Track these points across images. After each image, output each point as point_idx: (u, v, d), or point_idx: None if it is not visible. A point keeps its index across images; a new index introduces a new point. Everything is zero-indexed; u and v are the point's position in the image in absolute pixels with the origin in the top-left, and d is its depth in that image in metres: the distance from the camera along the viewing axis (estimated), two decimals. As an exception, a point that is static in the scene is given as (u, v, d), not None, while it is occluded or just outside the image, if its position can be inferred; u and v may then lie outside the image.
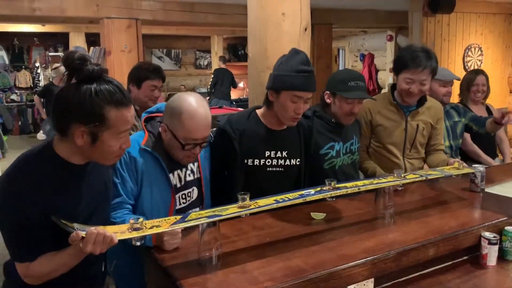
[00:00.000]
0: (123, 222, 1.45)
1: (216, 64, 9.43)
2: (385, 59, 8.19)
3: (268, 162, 1.87)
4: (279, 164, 1.89)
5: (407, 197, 1.93)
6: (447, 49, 5.85)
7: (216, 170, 1.87)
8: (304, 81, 1.75)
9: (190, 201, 1.76)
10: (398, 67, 2.24)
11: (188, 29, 8.58)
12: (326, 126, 2.11)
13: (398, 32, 7.92)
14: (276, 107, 1.81)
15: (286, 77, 1.75)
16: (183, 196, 1.73)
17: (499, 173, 2.20)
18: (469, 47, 6.03)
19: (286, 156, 1.89)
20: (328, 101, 2.10)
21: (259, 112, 1.91)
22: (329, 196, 1.51)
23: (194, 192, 1.78)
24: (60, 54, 9.04)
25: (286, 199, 1.43)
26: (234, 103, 8.84)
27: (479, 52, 6.15)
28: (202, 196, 1.80)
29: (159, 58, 10.78)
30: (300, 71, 1.75)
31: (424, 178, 1.73)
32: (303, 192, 1.50)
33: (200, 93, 8.85)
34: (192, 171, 1.77)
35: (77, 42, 8.15)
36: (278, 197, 1.46)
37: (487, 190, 1.80)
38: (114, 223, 1.46)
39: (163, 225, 1.23)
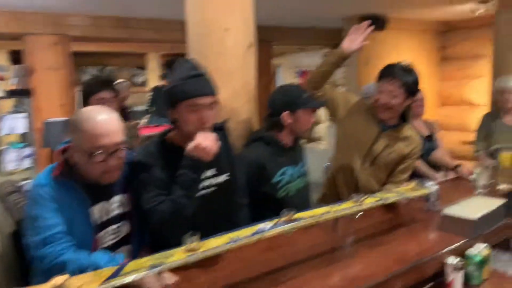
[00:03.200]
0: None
1: (154, 81, 9.11)
2: (322, 75, 8.30)
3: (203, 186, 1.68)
4: (209, 184, 1.69)
5: (364, 220, 1.82)
6: (382, 66, 6.02)
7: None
8: (196, 86, 1.56)
9: (119, 238, 1.55)
10: (377, 79, 2.19)
11: (123, 46, 8.22)
12: (276, 151, 1.99)
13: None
14: (181, 125, 1.61)
15: (176, 88, 1.57)
16: (112, 233, 1.52)
17: (451, 189, 2.17)
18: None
19: (216, 173, 1.71)
20: (288, 121, 1.99)
21: (169, 136, 1.69)
22: (288, 229, 1.36)
23: (125, 227, 1.57)
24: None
25: (240, 237, 1.26)
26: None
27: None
28: (133, 232, 1.59)
29: (92, 76, 10.25)
30: (189, 77, 1.57)
31: (382, 202, 1.63)
32: (258, 226, 1.34)
33: (137, 111, 8.50)
34: (121, 202, 1.56)
35: (-1, 60, 7.52)
36: (232, 235, 1.28)
37: (443, 210, 1.74)
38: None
39: (94, 283, 1.01)
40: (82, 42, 6.36)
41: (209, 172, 1.69)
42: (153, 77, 9.25)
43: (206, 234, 1.42)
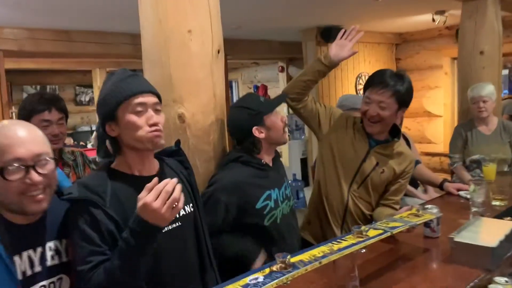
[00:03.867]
0: None
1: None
2: (278, 90, 8.17)
3: None
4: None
5: (364, 254, 1.55)
6: (341, 78, 5.94)
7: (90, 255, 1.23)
8: (134, 83, 1.28)
9: None
10: (364, 88, 1.94)
11: (65, 63, 7.67)
12: (257, 173, 1.71)
13: (289, 63, 7.99)
14: (125, 138, 1.29)
15: (111, 93, 1.28)
16: None
17: (444, 209, 1.94)
18: (360, 75, 6.21)
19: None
20: (261, 135, 1.72)
21: (114, 166, 1.35)
22: (285, 280, 1.04)
23: (63, 283, 1.22)
24: None
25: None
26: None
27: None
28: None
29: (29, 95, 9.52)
30: (123, 79, 1.29)
31: (389, 233, 1.36)
32: (247, 280, 1.02)
33: (82, 132, 7.90)
34: (57, 251, 1.21)
35: None
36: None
37: (453, 236, 1.50)
38: None
39: None
40: (18, 58, 5.82)
41: None
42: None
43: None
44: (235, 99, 9.85)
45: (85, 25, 4.56)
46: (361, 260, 1.49)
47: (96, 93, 8.68)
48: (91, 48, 4.93)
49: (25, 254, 1.14)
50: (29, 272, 1.14)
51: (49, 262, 1.19)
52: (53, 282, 1.20)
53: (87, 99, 9.67)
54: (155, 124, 1.27)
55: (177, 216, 1.33)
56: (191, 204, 1.43)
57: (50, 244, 1.21)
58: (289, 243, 1.74)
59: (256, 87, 8.87)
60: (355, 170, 1.93)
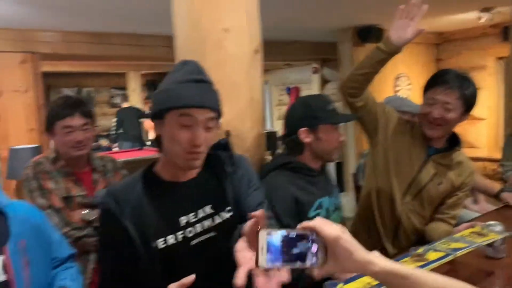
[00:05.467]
0: None
1: (134, 101, 8.64)
2: (311, 92, 8.00)
3: (190, 232, 1.21)
4: (206, 228, 1.23)
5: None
6: (378, 79, 5.69)
7: (114, 270, 1.20)
8: (194, 92, 1.15)
9: None
10: (425, 88, 1.76)
11: (101, 66, 7.77)
12: (308, 180, 1.57)
13: (323, 64, 7.82)
14: (165, 143, 1.20)
15: (167, 92, 1.16)
16: None
17: (506, 224, 1.74)
18: (398, 76, 5.98)
19: (212, 211, 1.25)
20: (306, 140, 1.57)
21: (157, 167, 1.27)
22: None
23: None
24: None
25: None
26: (150, 144, 7.99)
27: (408, 82, 6.11)
28: None
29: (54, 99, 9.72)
30: (187, 81, 1.16)
31: (452, 256, 1.20)
32: None
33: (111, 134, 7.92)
34: None
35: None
36: None
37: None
38: None
39: None
40: (54, 61, 5.90)
41: (201, 212, 1.23)
42: (134, 98, 8.78)
43: None
44: (268, 101, 9.73)
45: (119, 28, 4.55)
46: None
47: (131, 96, 8.74)
48: (126, 51, 4.93)
49: None
50: None
51: None
52: None
53: (121, 101, 9.72)
54: (197, 146, 1.16)
55: (212, 224, 1.23)
56: (228, 208, 1.27)
57: None
58: None
59: (289, 89, 8.73)
60: (409, 180, 1.76)
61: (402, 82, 6.03)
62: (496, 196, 2.28)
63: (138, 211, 1.16)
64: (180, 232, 1.18)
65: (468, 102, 1.68)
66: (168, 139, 1.17)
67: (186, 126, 1.14)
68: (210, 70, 1.46)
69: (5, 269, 1.12)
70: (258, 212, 0.93)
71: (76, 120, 1.78)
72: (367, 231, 1.86)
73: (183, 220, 1.20)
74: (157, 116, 1.18)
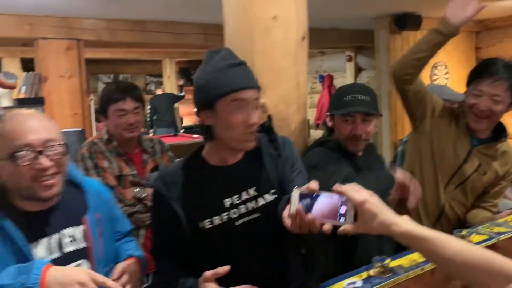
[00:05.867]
0: None
1: (168, 88, 8.81)
2: (345, 80, 7.94)
3: (234, 213, 1.27)
4: (250, 209, 1.29)
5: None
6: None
7: (163, 245, 1.33)
8: (239, 76, 1.21)
9: None
10: (470, 78, 1.75)
11: (137, 53, 7.95)
12: (344, 159, 1.61)
13: (358, 52, 7.73)
14: (218, 131, 1.24)
15: (212, 82, 1.20)
16: None
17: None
18: (436, 65, 5.86)
19: (256, 193, 1.30)
20: (329, 124, 1.64)
21: (204, 152, 1.34)
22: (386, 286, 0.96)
23: (83, 268, 1.22)
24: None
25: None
26: (184, 130, 8.14)
27: (445, 70, 5.99)
28: None
29: (106, 84, 10.00)
30: (228, 66, 1.21)
31: (495, 239, 1.23)
32: (344, 284, 0.95)
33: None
34: (73, 237, 1.23)
35: (11, 68, 7.27)
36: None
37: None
38: None
39: None
40: (94, 48, 6.09)
41: (245, 195, 1.29)
42: (169, 85, 8.95)
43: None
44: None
45: (159, 15, 4.65)
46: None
47: (166, 83, 8.91)
48: (163, 38, 5.04)
49: (42, 241, 1.17)
50: (47, 259, 1.16)
51: (67, 249, 1.21)
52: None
53: (155, 88, 9.94)
54: (253, 125, 1.22)
55: (256, 206, 1.29)
56: (272, 191, 1.32)
57: (66, 231, 1.23)
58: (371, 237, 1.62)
59: (322, 77, 8.67)
60: (453, 170, 1.78)
61: (440, 71, 5.91)
62: None
63: (185, 193, 1.24)
64: (225, 213, 1.25)
65: None
66: (223, 125, 1.21)
67: (239, 109, 1.19)
68: (258, 56, 1.54)
69: (85, 238, 1.24)
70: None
71: (128, 104, 1.89)
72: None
73: (227, 202, 1.26)
74: (205, 107, 1.22)
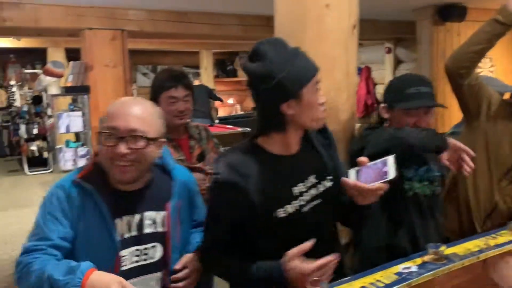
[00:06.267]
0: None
1: (205, 79, 8.91)
2: (383, 72, 7.81)
3: (302, 201, 1.31)
4: (313, 196, 1.33)
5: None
6: (458, 61, 5.48)
7: (220, 239, 1.33)
8: (309, 60, 1.31)
9: (148, 262, 1.30)
10: None
11: (174, 44, 8.06)
12: None
13: (397, 44, 7.57)
14: (301, 117, 1.27)
15: (296, 70, 1.24)
16: (137, 253, 1.27)
17: None
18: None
19: (316, 181, 1.35)
20: (385, 116, 1.62)
21: (261, 142, 1.34)
22: (440, 273, 0.97)
23: (157, 251, 1.30)
24: (38, 71, 8.40)
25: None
26: (218, 121, 8.22)
27: (490, 63, 5.79)
28: (167, 258, 1.32)
29: (144, 74, 10.21)
30: (295, 54, 1.29)
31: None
32: (398, 268, 0.96)
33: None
34: (153, 221, 1.30)
35: (56, 57, 7.55)
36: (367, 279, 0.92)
37: None
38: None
39: None
40: (135, 39, 6.23)
41: (309, 182, 1.33)
42: (206, 76, 9.05)
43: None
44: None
45: (199, 6, 4.71)
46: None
47: (203, 75, 8.99)
48: (203, 29, 5.10)
49: (125, 219, 1.25)
50: (126, 235, 1.25)
51: (145, 230, 1.28)
52: (146, 248, 1.29)
53: (194, 79, 10.04)
54: (323, 104, 1.29)
55: (317, 192, 1.33)
56: (329, 177, 1.36)
57: (148, 214, 1.29)
58: (419, 224, 1.62)
59: (360, 69, 8.56)
60: (509, 166, 1.73)
61: (484, 63, 5.72)
62: None
63: (260, 184, 1.26)
64: (296, 202, 1.29)
65: None
66: (308, 109, 1.25)
67: (317, 90, 1.26)
68: (310, 44, 1.55)
69: (165, 223, 1.31)
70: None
71: (179, 92, 1.95)
72: (458, 212, 1.83)
73: (295, 190, 1.30)
74: (292, 96, 1.22)
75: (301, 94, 1.23)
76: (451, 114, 4.47)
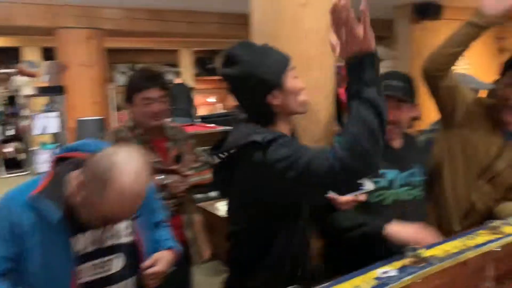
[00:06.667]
0: None
1: (185, 78, 8.83)
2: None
3: None
4: None
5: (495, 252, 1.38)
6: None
7: None
8: (279, 50, 1.38)
9: (109, 273, 1.26)
10: (504, 68, 1.67)
11: (153, 42, 7.97)
12: None
13: (376, 42, 7.62)
14: (289, 104, 1.33)
15: (274, 61, 1.32)
16: (100, 265, 1.24)
17: None
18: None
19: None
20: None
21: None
22: (420, 277, 0.96)
23: (118, 262, 1.27)
24: (11, 71, 8.19)
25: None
26: (200, 119, 8.15)
27: (465, 61, 5.89)
28: (135, 264, 1.30)
29: (123, 73, 10.05)
30: (268, 47, 1.36)
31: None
32: (376, 273, 0.95)
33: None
34: (116, 232, 1.28)
35: (31, 57, 7.36)
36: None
37: None
38: None
39: None
40: (113, 37, 6.13)
41: None
42: (186, 74, 8.97)
43: None
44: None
45: (176, 4, 4.65)
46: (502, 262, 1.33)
47: (183, 73, 8.90)
48: (181, 28, 5.05)
49: (87, 233, 1.22)
50: (88, 249, 1.22)
51: (109, 242, 1.26)
52: (109, 260, 1.26)
53: (173, 78, 9.91)
54: (303, 88, 1.34)
55: None
56: None
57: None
58: None
59: (339, 67, 8.59)
60: (485, 165, 1.72)
61: (460, 61, 5.81)
62: None
63: None
64: None
65: None
66: (293, 95, 1.31)
67: (295, 77, 1.33)
68: (286, 43, 1.52)
69: (129, 233, 1.29)
70: None
71: (155, 92, 1.90)
72: (436, 213, 1.80)
73: None
74: (275, 85, 1.28)
75: (282, 82, 1.29)
76: (429, 113, 4.53)
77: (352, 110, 1.11)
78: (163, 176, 1.91)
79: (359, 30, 1.11)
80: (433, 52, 1.68)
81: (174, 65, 9.82)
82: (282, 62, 1.31)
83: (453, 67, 1.67)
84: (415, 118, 1.68)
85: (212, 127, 6.28)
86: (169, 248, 1.39)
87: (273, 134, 1.23)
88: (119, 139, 1.93)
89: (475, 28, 1.57)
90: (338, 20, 1.09)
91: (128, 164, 1.07)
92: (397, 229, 1.44)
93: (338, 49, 1.14)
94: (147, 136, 1.96)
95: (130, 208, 1.14)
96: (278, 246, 1.33)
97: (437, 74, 1.66)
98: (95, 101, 4.54)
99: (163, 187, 1.91)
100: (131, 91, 1.93)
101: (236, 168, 1.31)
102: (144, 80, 1.91)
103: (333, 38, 1.13)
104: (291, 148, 1.18)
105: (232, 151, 1.28)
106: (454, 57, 1.64)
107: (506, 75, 1.65)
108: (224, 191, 1.48)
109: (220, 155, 1.32)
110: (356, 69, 1.11)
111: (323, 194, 1.31)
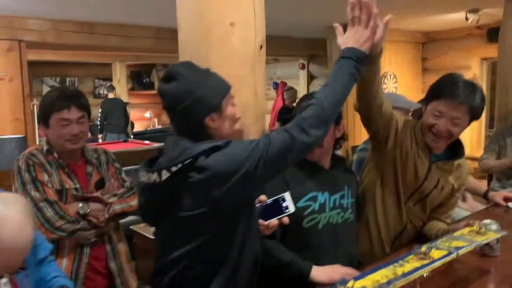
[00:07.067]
0: None
1: (118, 92, 8.50)
2: (298, 87, 8.02)
3: None
4: None
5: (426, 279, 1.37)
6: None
7: None
8: (221, 77, 1.39)
9: None
10: (430, 95, 1.69)
11: (85, 55, 7.62)
12: (307, 170, 1.59)
13: (311, 60, 7.84)
14: (223, 130, 1.32)
15: (216, 84, 1.32)
16: None
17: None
18: (385, 74, 6.02)
19: None
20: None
21: None
22: None
23: None
24: None
25: None
26: (132, 136, 7.87)
27: (394, 80, 6.18)
28: None
29: (51, 87, 9.52)
30: (208, 72, 1.34)
31: (455, 254, 1.22)
32: None
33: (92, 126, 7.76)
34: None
35: None
36: None
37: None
38: None
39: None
40: (39, 49, 5.77)
41: None
42: (120, 88, 8.65)
43: None
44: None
45: (107, 17, 4.47)
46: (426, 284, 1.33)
47: (117, 87, 8.56)
48: (113, 41, 4.85)
49: None
50: None
51: None
52: None
53: (106, 92, 9.57)
54: (239, 118, 1.35)
55: None
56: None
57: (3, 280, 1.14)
58: (331, 254, 1.59)
59: (276, 84, 8.72)
60: (415, 188, 1.75)
61: (389, 80, 6.08)
62: (484, 196, 2.31)
63: None
64: None
65: (475, 114, 1.64)
66: (229, 121, 1.30)
67: (234, 104, 1.33)
68: (216, 64, 1.46)
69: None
70: None
71: (73, 113, 1.74)
72: (369, 235, 1.81)
73: None
74: (215, 109, 1.26)
75: (222, 106, 1.28)
76: (362, 129, 4.66)
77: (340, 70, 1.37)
78: (81, 205, 1.75)
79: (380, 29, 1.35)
80: (356, 89, 1.61)
81: (108, 79, 9.46)
82: (223, 87, 1.31)
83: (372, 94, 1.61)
84: (341, 138, 1.67)
85: (146, 144, 6.06)
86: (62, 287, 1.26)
87: (221, 140, 1.23)
88: (31, 164, 1.74)
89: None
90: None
91: (8, 217, 0.93)
92: (318, 274, 1.47)
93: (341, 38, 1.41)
94: (63, 160, 1.80)
95: (11, 263, 1.01)
96: (234, 253, 1.27)
97: (369, 103, 1.63)
98: (16, 117, 4.21)
99: (83, 216, 1.75)
100: (46, 111, 1.75)
101: (182, 184, 1.19)
102: (61, 100, 1.74)
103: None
104: (243, 142, 1.23)
105: (178, 165, 1.18)
106: (375, 84, 1.59)
107: (432, 104, 1.67)
108: (156, 216, 1.35)
109: (165, 171, 1.19)
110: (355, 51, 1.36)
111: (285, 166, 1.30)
